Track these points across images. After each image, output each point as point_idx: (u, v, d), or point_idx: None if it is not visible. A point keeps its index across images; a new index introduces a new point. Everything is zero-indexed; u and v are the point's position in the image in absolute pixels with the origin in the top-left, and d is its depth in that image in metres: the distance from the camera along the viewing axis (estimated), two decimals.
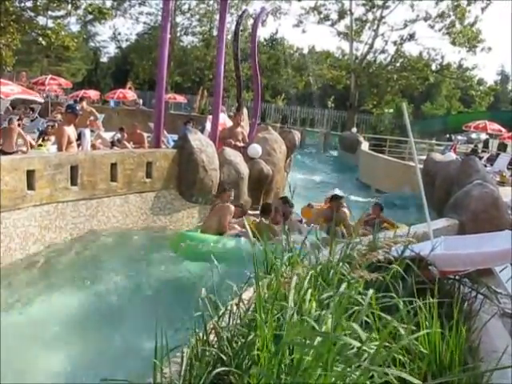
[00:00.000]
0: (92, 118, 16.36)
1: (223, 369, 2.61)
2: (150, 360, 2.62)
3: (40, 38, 32.00)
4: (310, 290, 2.92)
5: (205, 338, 2.87)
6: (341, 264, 3.63)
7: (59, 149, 10.48)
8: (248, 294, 3.33)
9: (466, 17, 39.50)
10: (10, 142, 12.80)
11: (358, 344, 2.40)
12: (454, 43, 39.81)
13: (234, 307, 3.12)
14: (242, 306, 3.12)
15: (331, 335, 2.39)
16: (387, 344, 2.59)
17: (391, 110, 44.58)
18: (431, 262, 4.20)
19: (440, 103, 51.43)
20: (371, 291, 2.89)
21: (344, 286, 3.02)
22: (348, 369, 2.38)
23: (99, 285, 7.69)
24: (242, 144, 12.83)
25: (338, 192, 10.67)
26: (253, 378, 2.51)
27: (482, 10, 38.99)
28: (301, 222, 10.04)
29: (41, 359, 5.84)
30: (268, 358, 2.60)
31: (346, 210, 10.72)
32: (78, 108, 11.60)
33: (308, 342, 2.45)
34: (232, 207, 9.27)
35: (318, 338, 2.44)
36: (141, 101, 34.17)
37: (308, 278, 3.16)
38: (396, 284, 3.60)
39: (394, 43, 42.24)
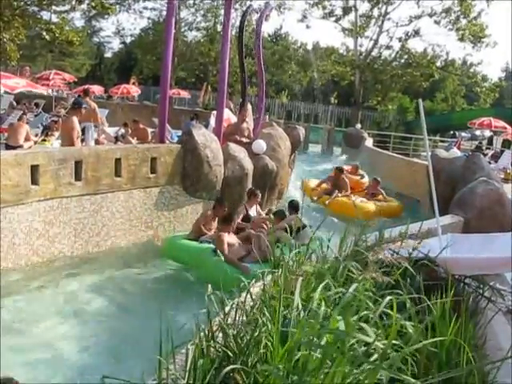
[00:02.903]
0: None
1: (232, 367, 2.59)
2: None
3: (44, 33, 31.89)
4: (318, 289, 2.90)
5: (210, 334, 2.86)
6: (348, 262, 3.61)
7: (70, 141, 10.32)
8: (255, 290, 3.32)
9: (471, 11, 39.37)
10: (17, 136, 12.79)
11: (370, 340, 2.39)
12: (461, 39, 39.68)
13: (241, 304, 3.11)
14: (249, 302, 3.10)
15: (341, 332, 2.37)
16: (395, 342, 2.57)
17: (395, 107, 44.50)
18: (439, 264, 4.19)
19: (440, 99, 51.24)
20: (387, 299, 2.86)
21: (353, 286, 2.99)
22: (355, 369, 2.37)
23: None
24: (247, 140, 12.81)
25: None
26: (261, 375, 2.50)
27: (487, 1, 38.82)
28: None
29: None
30: (275, 355, 2.58)
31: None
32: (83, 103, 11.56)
33: (316, 340, 2.44)
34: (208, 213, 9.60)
35: (326, 336, 2.43)
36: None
37: (315, 275, 3.14)
38: (404, 282, 3.58)
39: (399, 39, 42.17)
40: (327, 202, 14.15)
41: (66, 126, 10.58)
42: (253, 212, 10.16)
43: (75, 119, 10.52)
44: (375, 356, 2.43)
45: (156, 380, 2.60)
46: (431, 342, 2.81)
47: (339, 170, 15.18)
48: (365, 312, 2.87)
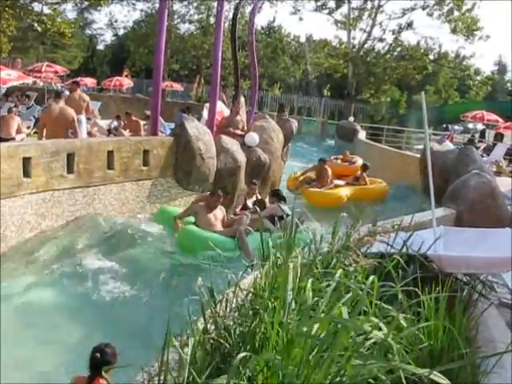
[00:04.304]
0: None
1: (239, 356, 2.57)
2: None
3: (36, 25, 31.64)
4: (310, 280, 2.90)
5: (203, 326, 2.86)
6: (341, 253, 3.61)
7: (75, 130, 10.73)
8: (244, 282, 3.32)
9: (463, 4, 39.43)
10: (8, 128, 12.73)
11: (369, 328, 2.39)
12: (454, 31, 39.74)
13: (231, 295, 3.11)
14: (240, 294, 3.10)
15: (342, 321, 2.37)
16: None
17: (388, 99, 44.50)
18: (433, 260, 4.20)
19: (432, 92, 51.23)
20: (372, 277, 2.87)
21: (340, 272, 3.00)
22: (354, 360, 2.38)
23: None
24: (241, 132, 12.81)
25: None
26: (259, 363, 2.49)
27: None
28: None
29: None
30: (271, 346, 2.59)
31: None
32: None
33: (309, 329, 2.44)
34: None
35: (316, 326, 2.43)
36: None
37: (307, 266, 3.15)
38: (396, 274, 3.59)
39: (392, 32, 42.16)
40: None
41: (64, 116, 10.61)
42: (251, 202, 10.32)
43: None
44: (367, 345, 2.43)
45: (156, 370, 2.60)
46: (419, 327, 2.82)
47: (322, 161, 15.37)
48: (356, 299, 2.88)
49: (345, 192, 14.31)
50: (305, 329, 2.48)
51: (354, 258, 3.54)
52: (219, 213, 9.14)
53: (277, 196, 9.54)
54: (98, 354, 4.01)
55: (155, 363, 2.68)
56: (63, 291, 7.36)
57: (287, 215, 8.84)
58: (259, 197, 10.66)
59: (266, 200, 10.17)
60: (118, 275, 7.75)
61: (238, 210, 10.22)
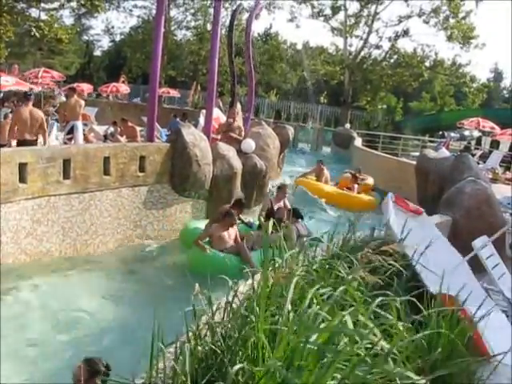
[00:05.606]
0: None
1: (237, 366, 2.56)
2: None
3: (33, 30, 31.64)
4: (312, 290, 2.89)
5: (198, 333, 2.85)
6: (336, 261, 3.60)
7: (43, 130, 11.16)
8: (243, 289, 3.31)
9: (460, 11, 39.54)
10: (4, 134, 12.75)
11: (375, 339, 2.38)
12: (450, 38, 39.84)
13: (227, 304, 3.10)
14: (237, 301, 3.09)
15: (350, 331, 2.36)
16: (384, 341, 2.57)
17: (384, 106, 44.57)
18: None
19: (425, 100, 51.37)
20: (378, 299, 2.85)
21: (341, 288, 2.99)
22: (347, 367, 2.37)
23: None
24: (237, 136, 12.83)
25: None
26: (258, 373, 2.48)
27: (477, 1, 38.97)
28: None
29: None
30: (266, 353, 2.58)
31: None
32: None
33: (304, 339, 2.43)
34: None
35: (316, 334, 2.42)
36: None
37: (303, 274, 3.14)
38: (397, 280, 3.59)
39: (389, 39, 42.23)
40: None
41: (33, 117, 10.94)
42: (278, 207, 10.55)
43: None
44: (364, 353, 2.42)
45: (144, 379, 2.59)
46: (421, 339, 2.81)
47: (320, 162, 16.87)
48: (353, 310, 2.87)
49: (328, 190, 15.78)
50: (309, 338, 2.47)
51: (351, 264, 3.53)
52: (232, 231, 9.11)
53: (295, 215, 9.62)
54: (88, 366, 3.97)
55: (151, 371, 2.67)
56: None
57: (299, 236, 8.85)
58: (286, 202, 11.06)
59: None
60: None
61: (262, 215, 10.25)
